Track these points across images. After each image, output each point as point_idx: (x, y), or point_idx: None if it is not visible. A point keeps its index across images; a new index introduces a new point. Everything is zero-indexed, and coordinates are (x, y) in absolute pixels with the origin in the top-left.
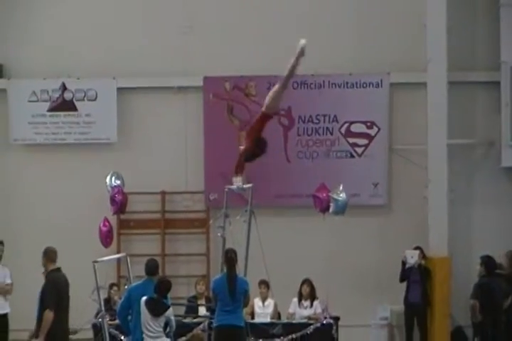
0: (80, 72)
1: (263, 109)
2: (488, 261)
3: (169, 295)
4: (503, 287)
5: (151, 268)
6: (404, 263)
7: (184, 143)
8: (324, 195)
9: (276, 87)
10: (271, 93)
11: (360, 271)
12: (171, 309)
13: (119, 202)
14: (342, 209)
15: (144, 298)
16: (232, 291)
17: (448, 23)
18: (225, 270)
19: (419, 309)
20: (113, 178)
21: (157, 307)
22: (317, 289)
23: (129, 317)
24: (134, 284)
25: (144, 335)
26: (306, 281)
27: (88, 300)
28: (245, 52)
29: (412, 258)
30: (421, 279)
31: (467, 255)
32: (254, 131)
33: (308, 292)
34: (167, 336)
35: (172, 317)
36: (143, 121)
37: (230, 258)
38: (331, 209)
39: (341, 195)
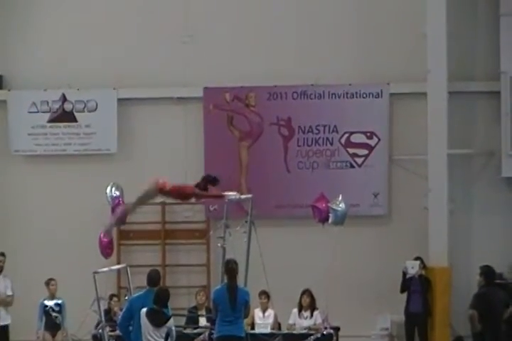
0: (80, 83)
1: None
2: (487, 271)
3: (170, 306)
4: (502, 297)
5: (153, 279)
6: (404, 273)
7: (184, 153)
8: (323, 205)
9: None
10: None
11: (360, 282)
12: (171, 319)
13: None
14: (341, 220)
15: (145, 309)
16: (232, 302)
17: (448, 33)
18: (225, 280)
19: (419, 319)
20: (113, 189)
21: (158, 318)
22: (317, 299)
23: (131, 328)
24: (135, 295)
25: None
26: (306, 292)
27: (88, 311)
28: (245, 62)
29: (413, 268)
30: (421, 289)
31: (467, 265)
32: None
33: (308, 302)
34: None
35: (173, 328)
36: (143, 132)
37: (230, 268)
38: (330, 220)
39: (340, 205)
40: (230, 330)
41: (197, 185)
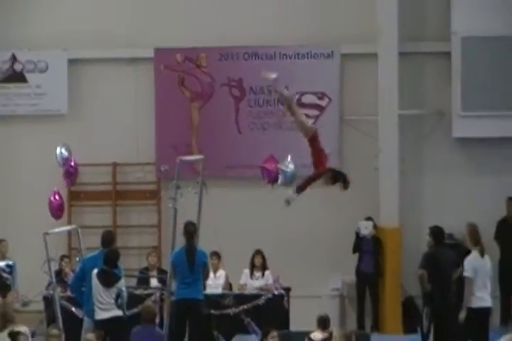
0: (30, 43)
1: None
2: (436, 232)
3: (121, 267)
4: (452, 257)
5: (106, 239)
6: (357, 233)
7: (135, 114)
8: (272, 166)
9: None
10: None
11: (312, 242)
12: (122, 280)
13: (73, 174)
14: (290, 181)
15: (95, 270)
16: (191, 264)
17: None
18: (181, 242)
19: (371, 279)
20: (62, 150)
21: (108, 279)
22: (268, 260)
23: (83, 289)
24: (88, 255)
25: (95, 307)
26: (258, 252)
27: (39, 272)
28: (196, 23)
29: (366, 229)
30: (373, 250)
31: (418, 225)
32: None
33: (259, 263)
34: (118, 307)
35: (123, 289)
36: (94, 93)
37: (188, 231)
38: (279, 181)
39: (289, 166)
40: (189, 293)
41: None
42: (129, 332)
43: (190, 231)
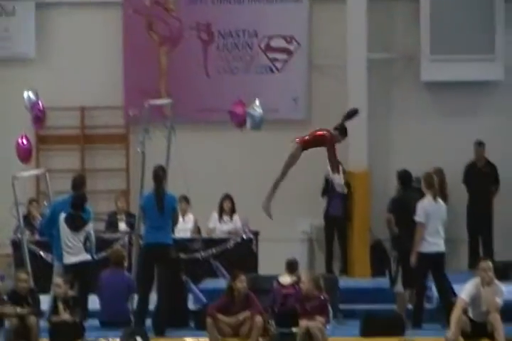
0: None
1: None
2: (404, 176)
3: (91, 210)
4: (419, 200)
5: (76, 183)
6: (326, 178)
7: (104, 58)
8: (241, 110)
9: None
10: None
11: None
12: (90, 224)
13: (41, 118)
14: (259, 125)
15: (63, 214)
16: (160, 208)
17: None
18: (150, 186)
19: (339, 223)
20: (30, 95)
21: (75, 222)
22: (237, 204)
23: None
24: (58, 199)
25: (63, 251)
26: (227, 197)
27: (7, 215)
28: None
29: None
30: (342, 193)
31: (386, 169)
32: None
33: (228, 207)
34: (87, 251)
35: (92, 232)
36: (62, 37)
37: (157, 175)
38: (247, 125)
39: (257, 110)
40: (158, 238)
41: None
42: (97, 276)
43: (160, 175)
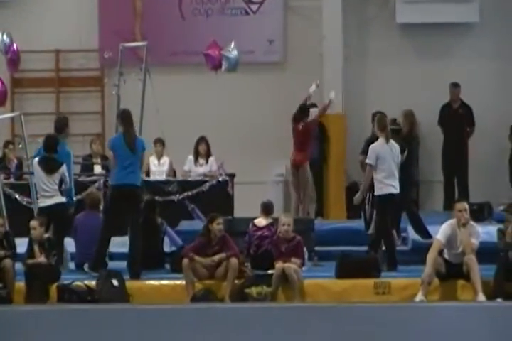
0: None
1: None
2: (379, 118)
3: (71, 152)
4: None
5: (57, 126)
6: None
7: (79, 0)
8: (216, 52)
9: None
10: None
11: (256, 129)
12: (64, 166)
13: (16, 60)
14: (234, 67)
15: (36, 158)
16: (130, 149)
17: None
18: (121, 129)
19: (315, 165)
20: (4, 37)
21: (49, 165)
22: (212, 146)
23: None
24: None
25: (38, 195)
26: (202, 139)
27: None
28: None
29: (311, 116)
30: (317, 136)
31: (362, 111)
32: None
33: (204, 150)
34: (62, 194)
35: (66, 174)
36: None
37: (126, 117)
38: (223, 67)
39: (233, 52)
40: (127, 179)
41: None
42: (72, 219)
43: (127, 116)
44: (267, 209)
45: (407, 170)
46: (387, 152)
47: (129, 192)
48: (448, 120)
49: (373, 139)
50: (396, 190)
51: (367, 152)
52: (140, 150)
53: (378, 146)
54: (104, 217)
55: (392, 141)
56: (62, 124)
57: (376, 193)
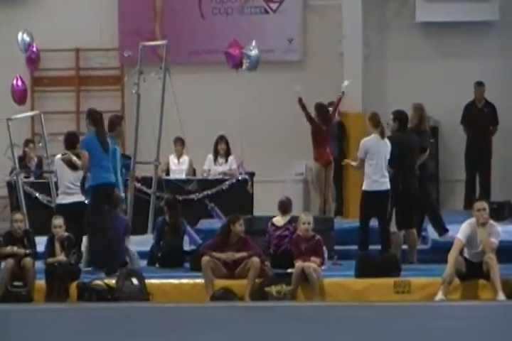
0: None
1: None
2: (400, 116)
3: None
4: (415, 142)
5: (109, 124)
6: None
7: (98, 1)
8: (237, 51)
9: None
10: None
11: (276, 128)
12: None
13: (35, 59)
14: (255, 65)
15: (59, 155)
16: (105, 147)
17: None
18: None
19: (335, 163)
20: (24, 36)
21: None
22: (232, 145)
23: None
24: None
25: (58, 192)
26: (222, 138)
27: (2, 158)
28: None
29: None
30: (337, 135)
31: (381, 110)
32: None
33: (223, 149)
34: (83, 193)
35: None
36: None
37: (95, 117)
38: (244, 66)
39: (254, 51)
40: (107, 178)
41: None
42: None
43: (98, 118)
44: (283, 206)
45: (423, 165)
46: (378, 147)
47: (110, 191)
48: (472, 119)
49: (394, 137)
50: (384, 188)
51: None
52: (113, 148)
53: (368, 141)
54: (88, 216)
55: (385, 138)
56: (113, 123)
57: (363, 188)
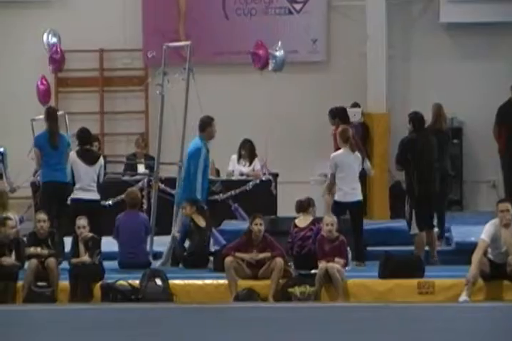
0: None
1: None
2: (415, 117)
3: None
4: (432, 142)
5: (200, 125)
6: None
7: (123, 0)
8: (263, 51)
9: None
10: None
11: (299, 128)
12: (101, 158)
13: (58, 59)
14: (280, 66)
15: (73, 152)
16: (53, 147)
17: None
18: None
19: None
20: (50, 36)
21: (89, 156)
22: (256, 146)
23: None
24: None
25: (76, 186)
26: (246, 142)
27: (26, 158)
28: None
29: (355, 116)
30: (361, 135)
31: (405, 111)
32: None
33: (249, 153)
34: (98, 190)
35: (102, 164)
36: None
37: (50, 113)
38: (270, 66)
39: (280, 52)
40: (54, 176)
41: None
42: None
43: (52, 114)
44: (301, 206)
45: (440, 165)
46: (348, 161)
47: (58, 189)
48: (509, 118)
49: (408, 139)
50: (355, 199)
51: (401, 152)
52: (65, 146)
53: (337, 155)
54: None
55: (356, 152)
56: (205, 123)
57: (335, 198)
